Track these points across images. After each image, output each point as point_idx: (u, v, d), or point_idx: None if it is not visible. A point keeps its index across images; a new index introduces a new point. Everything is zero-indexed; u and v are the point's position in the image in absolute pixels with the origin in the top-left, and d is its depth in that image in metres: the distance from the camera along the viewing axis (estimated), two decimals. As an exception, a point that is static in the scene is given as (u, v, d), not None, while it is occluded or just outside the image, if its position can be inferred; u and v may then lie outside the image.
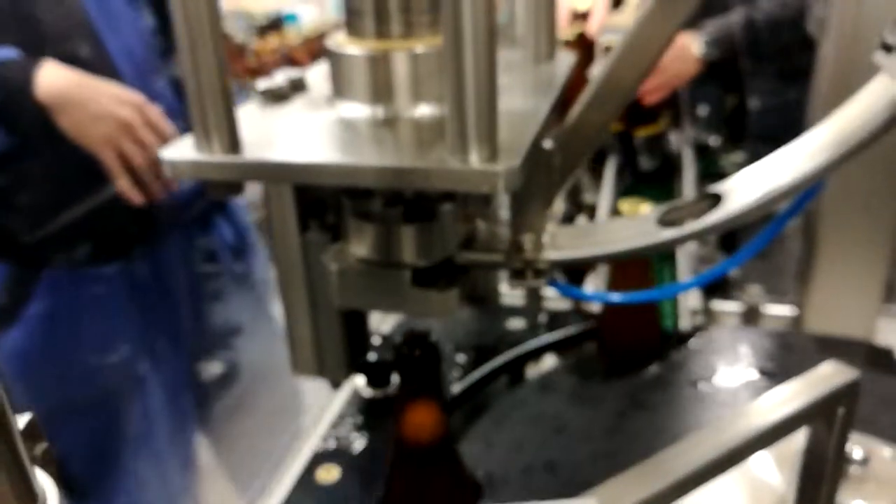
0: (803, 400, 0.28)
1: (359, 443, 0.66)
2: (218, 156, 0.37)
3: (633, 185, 1.19)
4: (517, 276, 0.46)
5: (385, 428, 0.68)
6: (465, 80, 0.32)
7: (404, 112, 0.42)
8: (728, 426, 0.28)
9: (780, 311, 0.91)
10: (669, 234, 0.43)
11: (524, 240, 0.45)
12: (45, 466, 0.23)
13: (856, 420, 0.55)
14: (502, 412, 0.69)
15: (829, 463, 0.32)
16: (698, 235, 0.43)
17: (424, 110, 0.42)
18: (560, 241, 0.46)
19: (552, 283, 0.48)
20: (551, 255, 0.44)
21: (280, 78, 0.47)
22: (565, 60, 0.53)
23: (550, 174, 0.44)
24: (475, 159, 0.33)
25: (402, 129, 0.40)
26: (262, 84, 0.46)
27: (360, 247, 0.46)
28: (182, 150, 0.38)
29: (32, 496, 0.20)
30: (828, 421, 0.30)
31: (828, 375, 0.30)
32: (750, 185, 0.43)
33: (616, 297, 0.53)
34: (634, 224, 0.45)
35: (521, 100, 0.45)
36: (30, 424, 0.23)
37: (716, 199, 0.44)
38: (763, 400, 0.28)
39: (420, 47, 0.41)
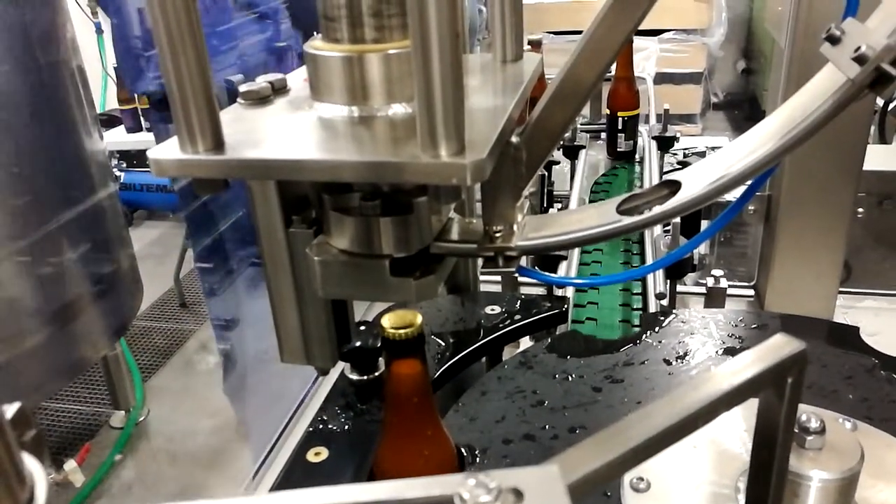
0: (753, 370, 0.31)
1: (347, 424, 0.69)
2: (202, 154, 0.40)
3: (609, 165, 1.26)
4: (489, 262, 0.48)
5: (371, 410, 0.71)
6: (433, 81, 0.35)
7: (379, 111, 0.44)
8: (682, 396, 0.30)
9: (742, 292, 0.95)
10: (629, 220, 0.46)
11: (495, 229, 0.48)
12: (34, 452, 0.24)
13: (819, 394, 0.58)
14: (482, 389, 0.72)
15: (780, 431, 0.34)
16: (657, 221, 0.46)
17: (398, 109, 0.44)
18: (528, 230, 0.49)
19: (521, 269, 0.51)
20: (520, 242, 0.47)
21: (261, 81, 0.49)
22: (532, 61, 0.56)
23: (518, 168, 0.47)
24: (444, 153, 0.36)
25: (377, 127, 0.43)
26: (244, 87, 0.48)
27: (340, 240, 0.49)
28: (167, 150, 0.40)
29: (21, 479, 0.22)
30: (777, 390, 0.33)
31: (777, 346, 0.33)
32: (706, 172, 0.47)
33: (580, 280, 0.56)
34: (597, 213, 0.48)
35: (489, 98, 0.47)
36: (19, 412, 0.24)
37: (675, 186, 0.47)
38: (715, 371, 0.31)
39: (392, 49, 0.43)
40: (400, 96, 0.44)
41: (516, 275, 0.50)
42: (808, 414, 0.54)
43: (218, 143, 0.40)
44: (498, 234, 0.48)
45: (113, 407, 2.12)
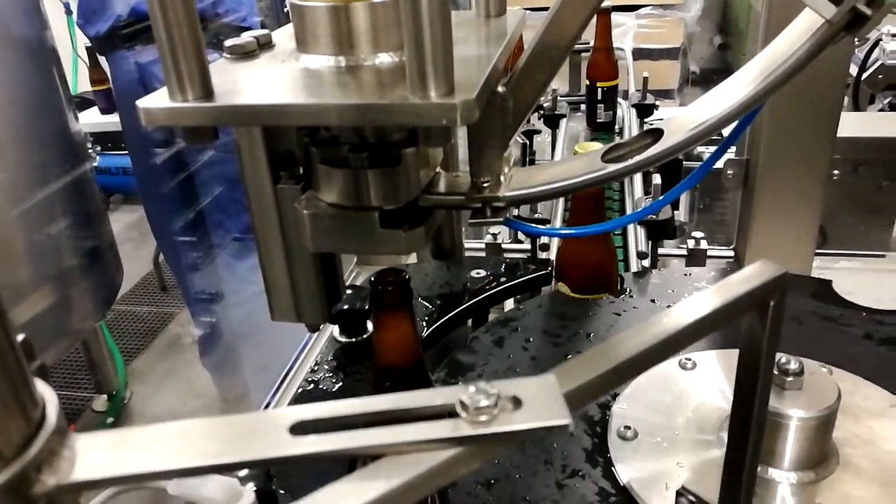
0: (737, 291, 0.32)
1: (336, 386, 0.70)
2: (191, 103, 0.40)
3: (589, 135, 1.27)
4: (477, 213, 0.49)
5: (360, 371, 0.72)
6: (422, 22, 0.35)
7: (366, 60, 0.45)
8: (670, 316, 0.31)
9: (721, 253, 0.96)
10: (614, 168, 0.47)
11: (482, 180, 0.48)
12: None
13: (796, 344, 0.60)
14: (469, 347, 0.73)
15: (763, 355, 0.36)
16: (641, 167, 0.47)
17: (385, 58, 0.45)
18: (515, 181, 0.49)
19: (508, 221, 0.51)
20: (507, 192, 0.48)
21: (247, 36, 0.49)
22: (515, 15, 0.56)
23: (504, 117, 0.47)
24: (434, 94, 0.37)
25: (364, 75, 0.43)
26: (230, 42, 0.48)
27: (329, 193, 0.49)
28: (156, 100, 0.40)
29: (34, 400, 0.22)
30: (760, 313, 0.34)
31: (758, 272, 0.34)
32: (687, 119, 0.48)
33: (567, 231, 0.57)
34: (582, 162, 0.49)
35: (474, 48, 0.48)
36: (24, 342, 0.24)
37: (657, 134, 0.48)
38: (701, 293, 0.32)
39: (378, -2, 0.44)
40: (386, 45, 0.44)
41: (504, 226, 0.50)
42: (787, 357, 0.56)
43: (207, 93, 0.40)
44: (485, 185, 0.48)
45: (95, 391, 2.11)
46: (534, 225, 0.52)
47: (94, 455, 0.21)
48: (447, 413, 0.23)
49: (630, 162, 0.46)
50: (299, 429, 0.21)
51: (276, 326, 0.59)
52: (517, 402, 0.23)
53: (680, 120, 0.48)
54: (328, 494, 0.20)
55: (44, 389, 0.23)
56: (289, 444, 0.21)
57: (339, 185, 0.48)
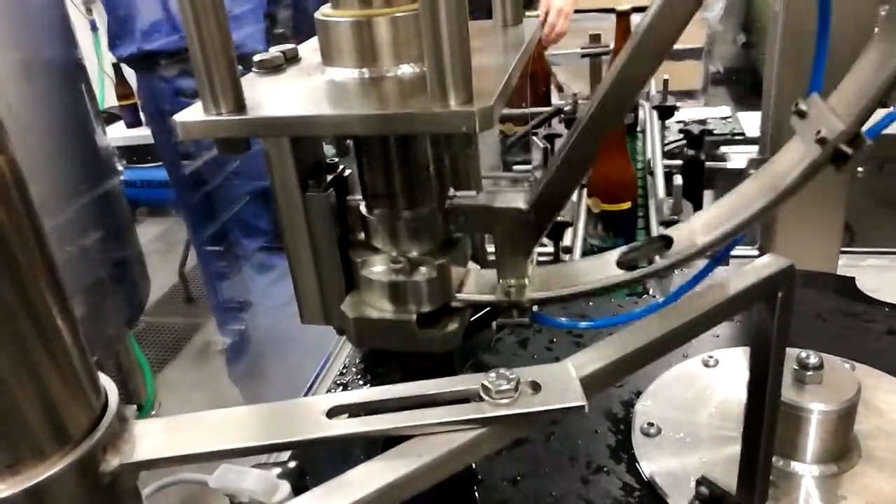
0: (746, 282, 0.34)
1: (364, 388, 0.72)
2: (225, 116, 0.42)
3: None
4: (504, 313, 0.51)
5: (387, 374, 0.74)
6: (441, 34, 0.37)
7: (388, 71, 0.47)
8: (682, 306, 0.33)
9: (746, 253, 0.97)
10: (626, 276, 0.48)
11: (509, 283, 0.50)
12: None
13: (820, 341, 0.60)
14: (494, 348, 0.75)
15: (773, 342, 0.37)
16: (650, 276, 0.49)
17: (406, 69, 0.47)
18: (538, 283, 0.51)
19: (535, 316, 0.53)
20: (532, 295, 0.50)
21: (274, 51, 0.51)
22: (531, 25, 0.58)
23: (527, 230, 0.49)
24: (454, 102, 0.38)
25: (387, 85, 0.45)
26: (258, 56, 0.51)
27: (371, 300, 0.52)
28: (192, 114, 0.43)
29: (97, 389, 0.25)
30: (769, 303, 0.36)
31: (766, 264, 0.35)
32: (694, 234, 0.48)
33: (586, 324, 0.60)
34: (598, 266, 0.50)
35: (492, 57, 0.49)
36: None
37: (667, 242, 0.49)
38: (712, 284, 0.34)
39: (399, 13, 0.46)
40: (407, 57, 0.46)
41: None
42: (807, 352, 0.56)
43: (240, 106, 0.43)
44: (511, 288, 0.50)
45: (125, 402, 2.15)
46: (560, 319, 0.55)
47: (152, 438, 0.23)
48: (471, 398, 0.24)
49: (642, 271, 0.47)
50: (335, 413, 0.23)
51: (304, 333, 0.61)
52: (536, 387, 0.25)
53: (688, 232, 0.49)
54: (364, 470, 0.22)
55: (105, 380, 0.25)
56: (327, 427, 0.23)
57: (381, 295, 0.51)
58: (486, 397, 0.24)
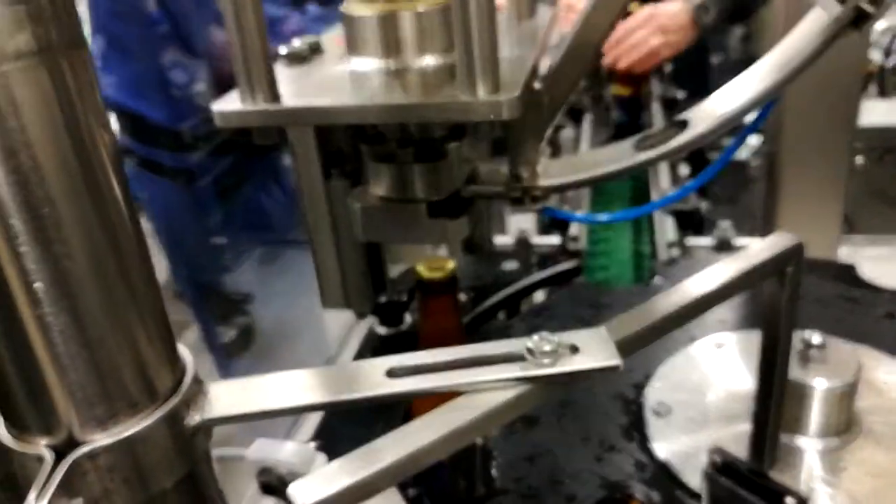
0: (757, 259, 0.36)
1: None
2: (261, 105, 0.44)
3: (611, 136, 1.29)
4: (517, 202, 0.53)
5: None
6: (471, 26, 0.39)
7: (412, 63, 0.49)
8: (699, 280, 0.35)
9: (749, 242, 0.99)
10: (644, 156, 0.50)
11: (521, 171, 0.52)
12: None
13: (821, 324, 0.63)
14: (506, 336, 0.77)
15: (782, 318, 0.39)
16: (669, 156, 0.51)
17: (429, 61, 0.49)
18: (552, 170, 0.53)
19: (546, 209, 0.55)
20: (545, 181, 0.52)
21: (299, 42, 0.53)
22: (545, 15, 0.60)
23: (540, 113, 0.51)
24: (482, 92, 0.41)
25: (410, 76, 0.47)
26: (284, 48, 0.53)
27: (379, 187, 0.53)
28: (230, 103, 0.45)
29: (176, 360, 0.26)
30: (779, 279, 0.38)
31: (776, 241, 0.37)
32: (711, 110, 0.51)
33: (602, 217, 0.60)
34: (614, 151, 0.52)
35: (512, 49, 0.51)
36: None
37: (682, 125, 0.52)
38: (725, 261, 0.36)
39: (423, 6, 0.48)
40: (431, 49, 0.48)
41: (542, 214, 0.54)
42: (810, 332, 0.59)
43: (274, 97, 0.45)
44: (524, 177, 0.52)
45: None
46: (570, 212, 0.56)
47: (224, 398, 0.25)
48: (515, 359, 0.27)
49: (660, 149, 0.50)
50: (394, 373, 0.25)
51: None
52: (574, 349, 0.27)
53: (703, 110, 0.52)
54: (420, 424, 0.24)
55: (184, 353, 0.27)
56: (388, 385, 0.25)
57: (388, 180, 0.52)
58: (531, 358, 0.26)
